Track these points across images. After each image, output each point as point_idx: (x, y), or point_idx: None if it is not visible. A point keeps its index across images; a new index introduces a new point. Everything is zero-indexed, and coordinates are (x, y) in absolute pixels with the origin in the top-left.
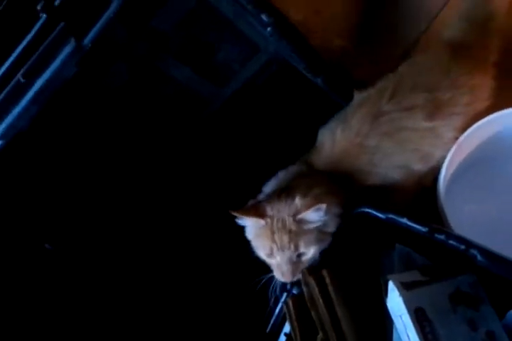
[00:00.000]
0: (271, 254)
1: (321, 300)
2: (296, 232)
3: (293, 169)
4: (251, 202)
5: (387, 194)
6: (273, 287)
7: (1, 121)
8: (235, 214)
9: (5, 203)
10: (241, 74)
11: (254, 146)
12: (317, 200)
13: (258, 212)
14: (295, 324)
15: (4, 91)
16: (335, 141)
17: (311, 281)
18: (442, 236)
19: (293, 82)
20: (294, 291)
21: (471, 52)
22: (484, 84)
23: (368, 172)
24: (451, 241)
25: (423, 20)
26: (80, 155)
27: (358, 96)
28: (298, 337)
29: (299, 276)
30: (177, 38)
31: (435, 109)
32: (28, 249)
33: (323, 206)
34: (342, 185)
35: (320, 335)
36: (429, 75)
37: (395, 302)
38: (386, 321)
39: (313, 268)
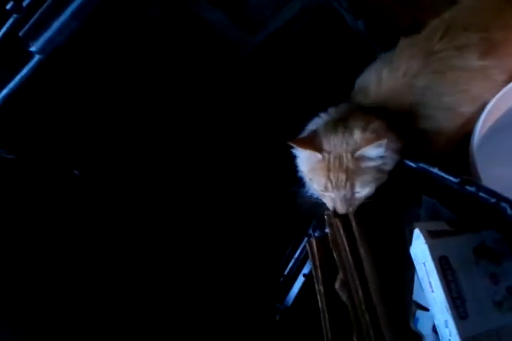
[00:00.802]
0: (325, 190)
1: (345, 241)
2: (354, 171)
3: (344, 106)
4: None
5: (429, 141)
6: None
7: (40, 35)
8: (291, 144)
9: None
10: (272, 21)
11: (284, 98)
12: (378, 135)
13: (315, 145)
14: (317, 263)
15: (45, 4)
16: (381, 81)
17: (337, 223)
18: (473, 188)
19: (327, 32)
20: (316, 234)
21: None
22: None
23: (415, 114)
24: (481, 194)
25: None
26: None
27: (403, 41)
28: (320, 276)
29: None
30: None
31: (488, 48)
32: (57, 175)
33: (384, 141)
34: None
35: (340, 275)
36: (482, 16)
37: (420, 249)
38: (406, 270)
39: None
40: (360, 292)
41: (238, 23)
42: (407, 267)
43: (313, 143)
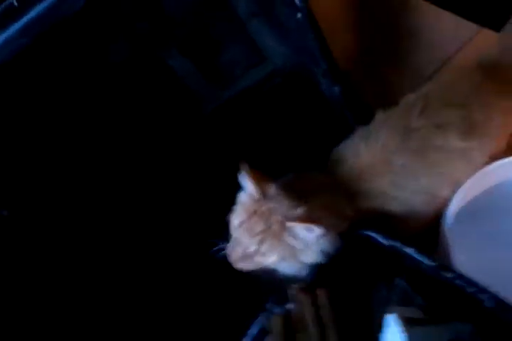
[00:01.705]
0: (237, 227)
1: (314, 323)
2: (274, 234)
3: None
4: None
5: (398, 223)
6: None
7: None
8: (242, 167)
9: None
10: (242, 80)
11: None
12: (317, 220)
13: (262, 183)
14: None
15: None
16: (359, 156)
17: (305, 300)
18: (449, 275)
19: (298, 97)
20: (276, 310)
21: (505, 75)
22: None
23: (389, 195)
24: (458, 282)
25: (438, 58)
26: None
27: (380, 115)
28: None
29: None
30: (184, 26)
31: (469, 128)
32: None
33: (318, 230)
34: (354, 206)
35: None
36: (461, 92)
37: (394, 338)
38: None
39: (306, 286)
40: None
41: (206, 77)
42: None
43: (262, 180)
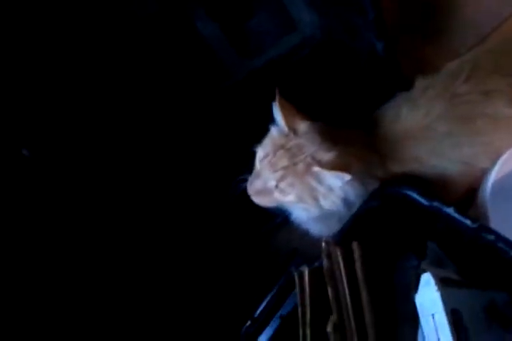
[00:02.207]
0: (260, 159)
1: (344, 277)
2: (297, 173)
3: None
4: None
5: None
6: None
7: None
8: (277, 98)
9: None
10: (269, 50)
11: None
12: (346, 167)
13: (293, 117)
14: (307, 300)
15: None
16: (399, 119)
17: (337, 253)
18: (492, 237)
19: (327, 67)
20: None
21: None
22: None
23: (427, 161)
24: (500, 245)
25: (477, 35)
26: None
27: (421, 81)
28: (308, 317)
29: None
30: None
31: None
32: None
33: (347, 177)
34: (387, 169)
35: (333, 318)
36: (510, 60)
37: (429, 298)
38: (398, 324)
39: (340, 240)
40: (355, 338)
41: (234, 44)
42: (400, 321)
43: (295, 114)
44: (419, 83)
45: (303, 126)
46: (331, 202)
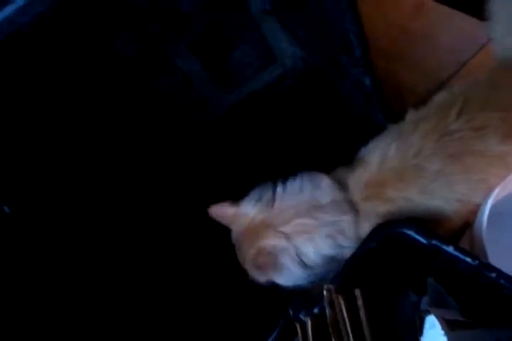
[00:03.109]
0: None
1: (348, 327)
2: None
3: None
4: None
5: None
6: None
7: None
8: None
9: None
10: (251, 83)
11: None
12: None
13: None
14: None
15: None
16: (386, 158)
17: (339, 301)
18: (493, 275)
19: (312, 100)
20: (301, 316)
21: None
22: None
23: (416, 202)
24: (502, 282)
25: (454, 62)
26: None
27: (412, 114)
28: None
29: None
30: (195, 22)
31: (510, 131)
32: None
33: None
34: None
35: None
36: (502, 92)
37: None
38: None
39: (340, 286)
40: None
41: (215, 78)
42: None
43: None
44: (410, 116)
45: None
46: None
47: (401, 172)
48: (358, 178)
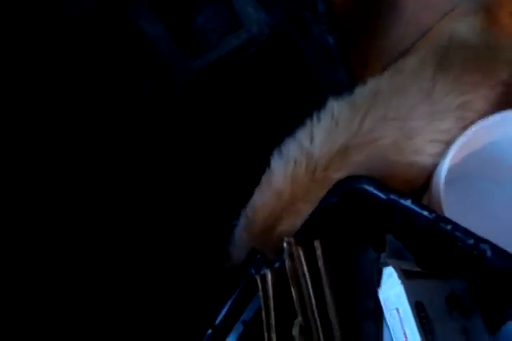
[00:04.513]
0: None
1: (307, 277)
2: None
3: None
4: None
5: None
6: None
7: None
8: None
9: None
10: (216, 48)
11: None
12: None
13: None
14: (271, 303)
15: None
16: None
17: (299, 252)
18: (449, 227)
19: (275, 65)
20: (262, 272)
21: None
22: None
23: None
24: (457, 233)
25: (417, 31)
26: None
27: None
28: (273, 321)
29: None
30: None
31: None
32: None
33: None
34: None
35: (299, 320)
36: (406, 96)
37: (393, 291)
38: (361, 320)
39: (301, 239)
40: (322, 339)
41: (180, 43)
42: (362, 317)
43: None
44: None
45: None
46: None
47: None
48: None
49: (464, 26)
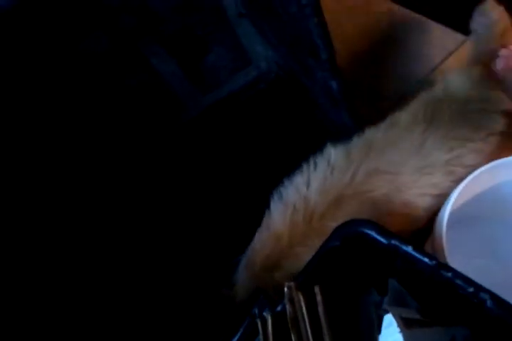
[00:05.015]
0: None
1: (307, 323)
2: None
3: None
4: None
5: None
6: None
7: None
8: None
9: None
10: (226, 85)
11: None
12: None
13: None
14: None
15: None
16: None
17: (299, 298)
18: (449, 275)
19: (283, 103)
20: (264, 313)
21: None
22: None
23: None
24: (458, 281)
25: (424, 68)
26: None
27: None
28: None
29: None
30: (170, 23)
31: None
32: None
33: None
34: None
35: None
36: (398, 150)
37: (392, 340)
38: None
39: (302, 284)
40: None
41: (190, 79)
42: None
43: None
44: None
45: None
46: None
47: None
48: None
49: (460, 77)
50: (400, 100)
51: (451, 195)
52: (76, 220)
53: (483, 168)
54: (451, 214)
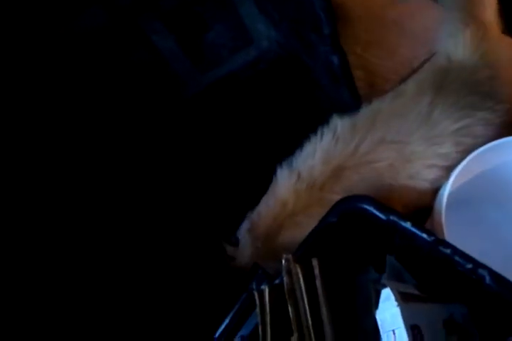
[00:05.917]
0: None
1: (304, 295)
2: None
3: None
4: None
5: None
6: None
7: None
8: None
9: None
10: (226, 64)
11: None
12: None
13: None
14: (268, 320)
15: None
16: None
17: (297, 270)
18: (448, 251)
19: (283, 82)
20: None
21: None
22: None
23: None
24: (457, 258)
25: (424, 51)
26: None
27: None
28: (268, 337)
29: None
30: None
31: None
32: None
33: None
34: None
35: (295, 337)
36: (405, 120)
37: (389, 313)
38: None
39: (300, 257)
40: None
41: (190, 57)
42: (361, 336)
43: None
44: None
45: None
46: None
47: None
48: None
49: (456, 47)
50: (401, 83)
51: (450, 174)
52: (74, 208)
53: (487, 146)
54: (452, 193)
